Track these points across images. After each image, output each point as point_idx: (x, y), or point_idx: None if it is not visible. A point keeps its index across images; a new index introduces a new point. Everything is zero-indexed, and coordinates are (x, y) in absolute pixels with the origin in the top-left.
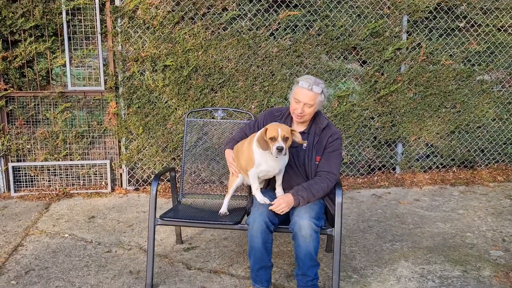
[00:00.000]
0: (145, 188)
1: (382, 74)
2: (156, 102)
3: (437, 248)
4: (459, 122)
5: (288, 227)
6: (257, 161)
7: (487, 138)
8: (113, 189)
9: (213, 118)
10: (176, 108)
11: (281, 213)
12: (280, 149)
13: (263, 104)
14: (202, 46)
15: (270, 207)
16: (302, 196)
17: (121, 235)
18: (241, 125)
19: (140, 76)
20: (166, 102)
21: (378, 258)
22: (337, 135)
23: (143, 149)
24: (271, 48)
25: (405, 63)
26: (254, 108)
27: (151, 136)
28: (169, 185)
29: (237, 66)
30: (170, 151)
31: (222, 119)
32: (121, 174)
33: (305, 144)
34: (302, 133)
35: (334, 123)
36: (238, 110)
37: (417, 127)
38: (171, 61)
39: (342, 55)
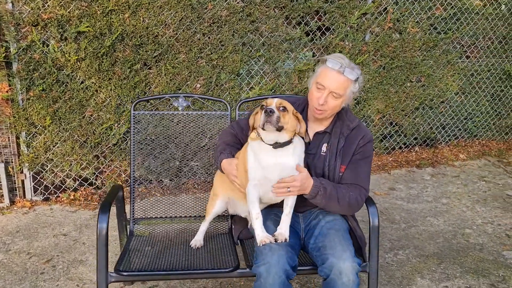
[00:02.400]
0: (59, 197)
1: (347, 43)
2: (68, 83)
3: (445, 254)
4: (423, 97)
5: (308, 267)
6: (251, 166)
7: (449, 114)
8: (12, 202)
9: (171, 108)
10: (97, 90)
11: (286, 194)
12: (268, 113)
13: (210, 82)
14: (130, 6)
15: (274, 186)
16: (325, 188)
17: (38, 280)
18: (216, 118)
19: (43, 47)
20: (82, 82)
21: (390, 277)
22: (369, 137)
23: (53, 146)
24: (219, 11)
25: (370, 31)
26: (200, 87)
27: (64, 129)
28: (91, 190)
29: (177, 33)
30: (91, 147)
31: (185, 110)
32: (22, 181)
33: (324, 149)
34: (320, 133)
35: None
36: (206, 97)
37: (383, 104)
38: (87, 26)
39: (303, 21)
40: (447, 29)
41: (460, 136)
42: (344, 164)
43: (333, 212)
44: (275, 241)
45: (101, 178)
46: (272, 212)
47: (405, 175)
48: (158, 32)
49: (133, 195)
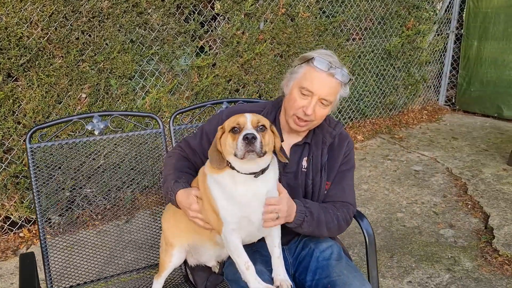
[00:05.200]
0: None
1: (243, 33)
2: None
3: (392, 245)
4: None
5: None
6: (223, 207)
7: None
8: None
9: (86, 133)
10: None
11: (274, 223)
12: (249, 139)
13: (98, 90)
14: None
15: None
16: (311, 213)
17: None
18: (146, 138)
19: None
20: None
21: None
22: (352, 143)
23: None
24: (99, 2)
25: (265, 18)
26: (86, 98)
27: None
28: None
29: (48, 33)
30: None
31: (102, 133)
32: None
33: (305, 164)
34: (298, 144)
35: (195, 103)
36: (130, 113)
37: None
38: None
39: (196, 10)
40: (335, 12)
41: (354, 117)
42: (330, 180)
43: (319, 237)
44: None
45: None
46: (252, 250)
47: None
48: (22, 33)
49: (47, 258)
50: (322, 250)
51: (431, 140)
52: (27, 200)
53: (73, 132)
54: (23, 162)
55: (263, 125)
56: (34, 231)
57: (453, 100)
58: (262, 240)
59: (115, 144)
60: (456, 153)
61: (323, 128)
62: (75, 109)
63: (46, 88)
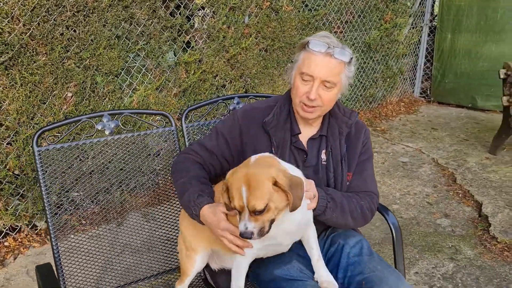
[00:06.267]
0: None
1: (229, 27)
2: None
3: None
4: None
5: None
6: None
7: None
8: None
9: (96, 134)
10: None
11: (313, 206)
12: (245, 234)
13: (84, 88)
14: None
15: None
16: (333, 199)
17: None
18: (157, 137)
19: None
20: None
21: None
22: (368, 132)
23: None
24: None
25: (250, 11)
26: (72, 96)
27: None
28: None
29: (30, 28)
30: None
31: (112, 133)
32: None
33: (324, 157)
34: (314, 138)
35: (183, 100)
36: (142, 111)
37: (270, 89)
38: None
39: (181, 4)
40: (317, 5)
41: None
42: (351, 171)
43: (344, 228)
44: None
45: None
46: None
47: None
48: (3, 29)
49: (61, 271)
50: (352, 246)
51: (412, 131)
52: (11, 207)
53: (77, 134)
54: (7, 166)
55: (261, 210)
56: (20, 240)
57: (428, 92)
58: (298, 242)
59: (126, 144)
60: (438, 144)
61: (338, 118)
62: (61, 109)
63: (30, 88)
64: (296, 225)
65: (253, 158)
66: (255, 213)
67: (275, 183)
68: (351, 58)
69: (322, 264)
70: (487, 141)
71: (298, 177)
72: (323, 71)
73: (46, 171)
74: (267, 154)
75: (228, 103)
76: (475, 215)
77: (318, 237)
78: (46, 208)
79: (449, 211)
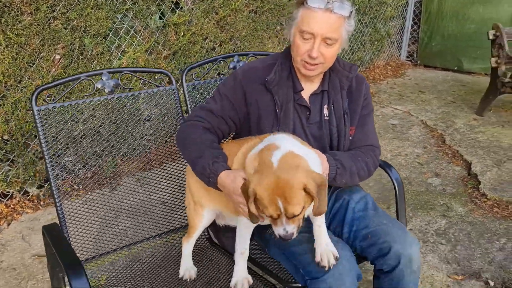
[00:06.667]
0: None
1: None
2: None
3: (386, 196)
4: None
5: (365, 261)
6: None
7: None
8: None
9: (96, 93)
10: None
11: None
12: (287, 236)
13: (72, 51)
14: None
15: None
16: (342, 165)
17: None
18: (158, 96)
19: None
20: None
21: None
22: (368, 86)
23: None
24: None
25: None
26: (60, 59)
27: None
28: None
29: None
30: None
31: (112, 92)
32: None
33: (326, 113)
34: (316, 93)
35: (173, 63)
36: (141, 69)
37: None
38: None
39: None
40: None
41: None
42: (353, 125)
43: (351, 185)
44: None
45: None
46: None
47: None
48: None
49: (66, 231)
50: (357, 201)
51: (400, 94)
52: (2, 173)
53: (70, 94)
54: None
55: (298, 214)
56: (12, 206)
57: (415, 55)
58: None
59: (126, 104)
60: (426, 106)
61: (338, 72)
62: (49, 71)
63: (16, 49)
64: None
65: (274, 158)
66: (291, 217)
67: (305, 189)
68: (351, 12)
69: (324, 230)
70: (473, 103)
71: (322, 177)
72: (323, 28)
73: (47, 132)
74: (283, 135)
75: (228, 61)
76: (464, 174)
77: None
78: (48, 168)
79: (439, 170)
